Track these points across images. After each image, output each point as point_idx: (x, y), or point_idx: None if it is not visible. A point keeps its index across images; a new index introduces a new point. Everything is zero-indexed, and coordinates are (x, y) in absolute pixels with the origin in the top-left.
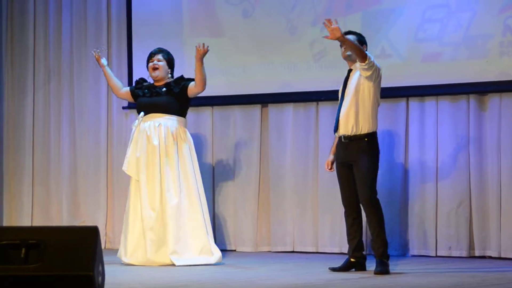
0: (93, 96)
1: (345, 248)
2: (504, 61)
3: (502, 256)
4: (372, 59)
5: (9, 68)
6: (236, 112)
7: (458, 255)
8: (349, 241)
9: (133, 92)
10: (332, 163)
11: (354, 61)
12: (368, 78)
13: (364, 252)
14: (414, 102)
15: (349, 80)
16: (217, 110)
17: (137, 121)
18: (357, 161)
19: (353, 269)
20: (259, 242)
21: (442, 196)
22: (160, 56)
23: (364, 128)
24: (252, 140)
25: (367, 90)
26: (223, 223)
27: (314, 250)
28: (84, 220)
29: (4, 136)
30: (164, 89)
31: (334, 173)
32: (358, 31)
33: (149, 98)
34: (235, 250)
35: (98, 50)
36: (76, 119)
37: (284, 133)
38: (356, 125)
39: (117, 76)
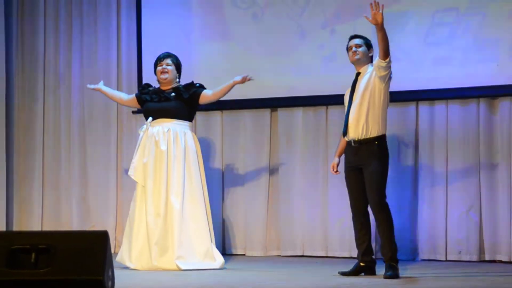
0: (103, 101)
1: (355, 252)
2: None
3: None
4: (391, 59)
5: (20, 73)
6: (246, 116)
7: (468, 259)
8: (358, 245)
9: (139, 98)
10: (337, 166)
11: (362, 65)
12: (382, 78)
13: (373, 256)
14: (424, 106)
15: (358, 83)
16: (227, 114)
17: (144, 126)
18: (367, 165)
19: (363, 274)
20: (269, 246)
21: (452, 200)
22: (169, 61)
23: (374, 131)
24: (262, 144)
25: (378, 93)
26: (233, 227)
27: (324, 254)
28: (94, 225)
29: (15, 140)
30: (173, 94)
31: (343, 177)
32: (368, 35)
33: (158, 103)
34: (244, 255)
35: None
36: (86, 124)
37: (294, 137)
38: (366, 128)
39: (127, 83)
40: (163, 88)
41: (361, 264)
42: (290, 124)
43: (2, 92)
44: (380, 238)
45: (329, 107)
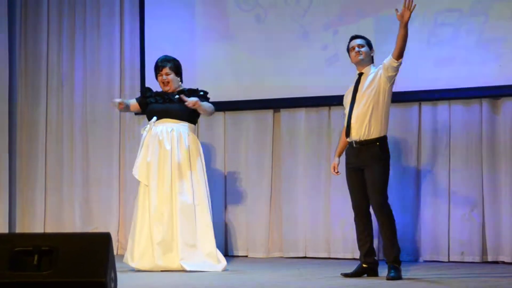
0: (106, 103)
1: (357, 254)
2: None
3: None
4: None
5: (23, 75)
6: (248, 117)
7: (470, 260)
8: (360, 246)
9: (141, 102)
10: (338, 166)
11: (364, 65)
12: (389, 78)
13: (376, 258)
14: (426, 106)
15: (361, 84)
16: (229, 115)
17: (148, 126)
18: (369, 166)
19: (365, 275)
20: (271, 247)
21: (455, 201)
22: (167, 70)
23: (376, 132)
24: (264, 145)
25: (382, 93)
26: (235, 228)
27: (326, 256)
28: (96, 227)
29: (17, 142)
30: (177, 96)
31: (345, 177)
32: (371, 36)
33: (162, 104)
34: (247, 256)
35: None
36: (88, 126)
37: (296, 138)
38: (368, 129)
39: (130, 84)
40: (167, 90)
41: (364, 265)
42: (292, 125)
43: (5, 93)
44: (383, 239)
45: (331, 108)
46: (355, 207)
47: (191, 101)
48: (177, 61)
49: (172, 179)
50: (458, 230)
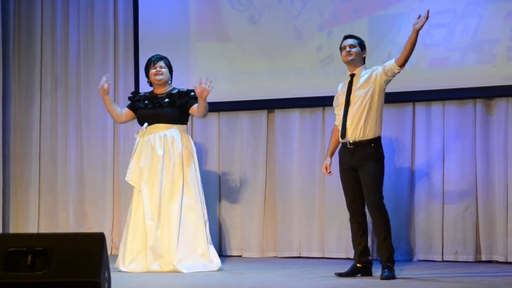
0: (100, 104)
1: (352, 254)
2: (511, 65)
3: (509, 260)
4: None
5: (17, 76)
6: (243, 117)
7: (464, 259)
8: (355, 246)
9: (133, 108)
10: (330, 166)
11: (356, 66)
12: (386, 82)
13: (370, 257)
14: (420, 107)
15: (354, 85)
16: (224, 116)
17: (140, 131)
18: (364, 166)
19: (359, 275)
20: (265, 247)
21: (449, 201)
22: (162, 63)
23: (371, 133)
24: (259, 146)
25: (377, 95)
26: (229, 228)
27: (321, 256)
28: (90, 227)
29: (11, 143)
30: (167, 99)
31: (339, 178)
32: (364, 37)
33: (153, 110)
34: (241, 256)
35: (106, 81)
36: (83, 127)
37: (291, 139)
38: (364, 130)
39: (124, 85)
40: (157, 91)
41: (358, 265)
42: (287, 126)
43: None
44: (377, 239)
45: (325, 108)
46: (350, 207)
47: (205, 88)
48: (170, 62)
49: (164, 184)
50: (452, 229)
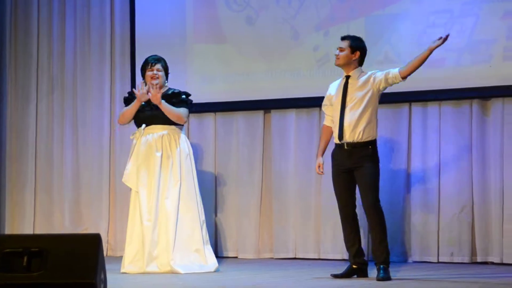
0: (96, 105)
1: (347, 255)
2: (507, 66)
3: (504, 262)
4: None
5: (13, 77)
6: (239, 118)
7: (460, 261)
8: (349, 247)
9: None
10: (323, 165)
11: (349, 68)
12: (384, 88)
13: (365, 258)
14: (417, 107)
15: (350, 86)
16: (220, 116)
17: (137, 132)
18: (361, 168)
19: (355, 276)
20: (261, 248)
21: (444, 201)
22: (159, 66)
23: (369, 135)
24: (255, 146)
25: (375, 98)
26: (225, 229)
27: (316, 257)
28: (86, 228)
29: (7, 144)
30: (163, 100)
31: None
32: (362, 36)
33: (150, 111)
34: (237, 257)
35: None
36: (79, 128)
37: (287, 139)
38: (363, 132)
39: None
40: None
41: (354, 266)
42: (283, 126)
43: None
44: (373, 240)
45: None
46: (342, 208)
47: (153, 94)
48: (167, 63)
49: (161, 184)
50: (448, 230)
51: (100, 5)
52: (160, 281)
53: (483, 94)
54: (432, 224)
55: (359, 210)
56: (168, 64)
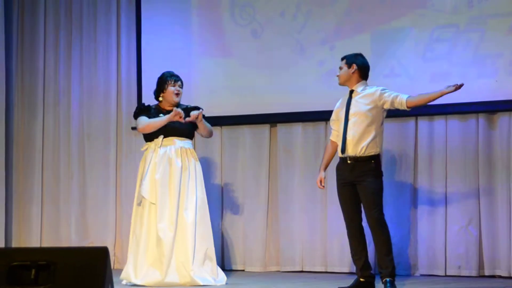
0: (103, 117)
1: (354, 268)
2: None
3: None
4: None
5: (20, 89)
6: (245, 131)
7: (467, 274)
8: (356, 261)
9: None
10: (324, 180)
11: (352, 83)
12: (387, 109)
13: (372, 272)
14: (423, 121)
15: (353, 101)
16: (226, 130)
17: (153, 144)
18: (363, 182)
19: None
20: (268, 261)
21: (452, 215)
22: (180, 83)
23: (372, 150)
24: (261, 160)
25: (378, 113)
26: (232, 242)
27: (323, 270)
28: (92, 241)
29: (14, 156)
30: (189, 116)
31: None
32: (367, 50)
33: (171, 123)
34: (243, 270)
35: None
36: (85, 140)
37: (293, 153)
38: (366, 147)
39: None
40: (165, 107)
41: (361, 279)
42: (289, 140)
43: (1, 108)
44: (378, 253)
45: (328, 122)
46: (348, 221)
47: (195, 114)
48: None
49: (180, 195)
50: (455, 244)
51: (106, 17)
52: None
53: (490, 108)
54: (439, 238)
55: (365, 223)
56: None
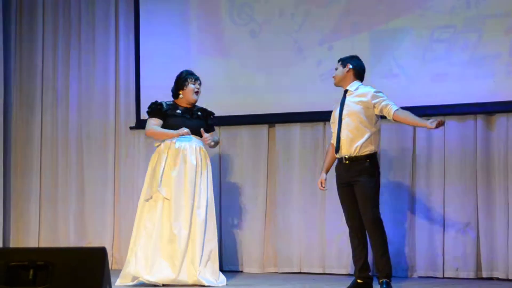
0: (101, 117)
1: (352, 269)
2: (511, 81)
3: (510, 277)
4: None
5: (18, 89)
6: (243, 132)
7: (465, 276)
8: (355, 262)
9: (162, 116)
10: (325, 181)
11: (346, 83)
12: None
13: (370, 273)
14: None
15: (346, 101)
16: (224, 130)
17: (168, 141)
18: (359, 182)
19: None
20: (266, 263)
21: (449, 217)
22: (199, 82)
23: (367, 149)
24: (259, 160)
25: (371, 113)
26: (230, 243)
27: (321, 271)
28: (90, 241)
29: (12, 156)
30: (200, 113)
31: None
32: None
33: (190, 120)
34: (242, 271)
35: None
36: (83, 141)
37: (291, 153)
38: (360, 147)
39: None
40: (182, 104)
41: (358, 280)
42: (287, 140)
43: (0, 109)
44: (375, 255)
45: (326, 123)
46: (349, 222)
47: (206, 138)
48: None
49: (195, 193)
50: (453, 246)
51: (105, 18)
52: None
53: (488, 109)
54: (437, 240)
55: None
56: (173, 78)
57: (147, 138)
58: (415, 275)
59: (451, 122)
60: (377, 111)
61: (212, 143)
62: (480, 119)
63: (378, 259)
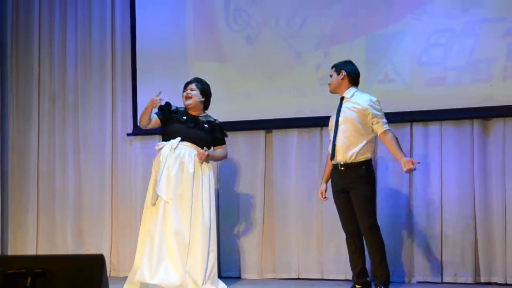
0: (98, 124)
1: (350, 275)
2: (508, 85)
3: (508, 282)
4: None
5: (14, 96)
6: (240, 137)
7: (463, 281)
8: (353, 267)
9: (163, 118)
10: (325, 192)
11: (342, 90)
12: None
13: (368, 279)
14: (418, 127)
15: (342, 108)
16: None
17: (168, 144)
18: (355, 189)
19: None
20: (264, 269)
21: (447, 221)
22: (193, 85)
23: (362, 156)
24: (256, 166)
25: (367, 121)
26: (228, 249)
27: (319, 277)
28: (88, 248)
29: (9, 164)
30: (207, 125)
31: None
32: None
33: (193, 130)
34: (240, 277)
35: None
36: (80, 147)
37: (288, 159)
38: (356, 154)
39: (122, 102)
40: (192, 112)
41: (357, 286)
42: (284, 146)
43: None
44: (372, 261)
45: (323, 128)
46: (346, 228)
47: (199, 153)
48: (208, 85)
49: (194, 203)
50: (451, 251)
51: (101, 24)
52: None
53: (484, 114)
54: (435, 244)
55: None
56: (169, 83)
57: (144, 145)
58: (413, 281)
59: (448, 127)
60: (369, 124)
61: (203, 162)
62: (476, 124)
63: (375, 266)
